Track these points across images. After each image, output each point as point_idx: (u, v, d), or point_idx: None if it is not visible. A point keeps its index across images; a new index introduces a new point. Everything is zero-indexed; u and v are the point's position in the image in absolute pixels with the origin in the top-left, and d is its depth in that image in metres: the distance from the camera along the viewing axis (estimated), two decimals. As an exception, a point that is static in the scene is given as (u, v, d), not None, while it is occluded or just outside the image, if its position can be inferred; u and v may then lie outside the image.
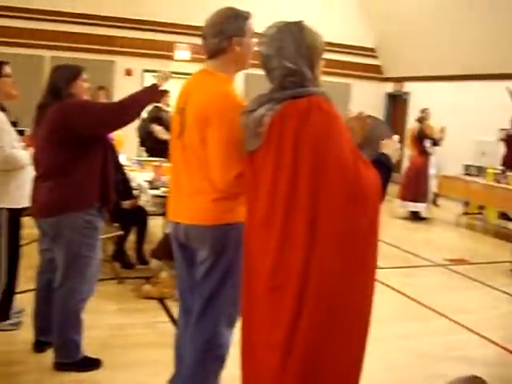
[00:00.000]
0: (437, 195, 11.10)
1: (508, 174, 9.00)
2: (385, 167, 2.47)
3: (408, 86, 14.93)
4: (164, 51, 13.16)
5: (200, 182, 2.83)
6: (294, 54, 2.33)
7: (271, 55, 2.37)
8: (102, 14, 12.44)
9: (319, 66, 2.43)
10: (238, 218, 2.72)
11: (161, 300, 5.28)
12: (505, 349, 4.79)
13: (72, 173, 3.61)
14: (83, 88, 3.78)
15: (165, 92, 8.16)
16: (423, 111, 10.45)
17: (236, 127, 2.57)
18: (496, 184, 9.16)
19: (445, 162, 11.10)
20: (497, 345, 4.87)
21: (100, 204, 3.77)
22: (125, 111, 3.63)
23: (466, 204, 10.43)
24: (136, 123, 7.32)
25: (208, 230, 2.84)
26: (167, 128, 9.70)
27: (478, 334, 5.07)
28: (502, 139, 10.17)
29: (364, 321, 2.40)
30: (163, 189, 5.70)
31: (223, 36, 2.83)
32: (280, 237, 2.28)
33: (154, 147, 8.24)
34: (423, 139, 10.15)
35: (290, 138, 2.25)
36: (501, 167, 9.59)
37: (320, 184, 2.21)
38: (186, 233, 2.95)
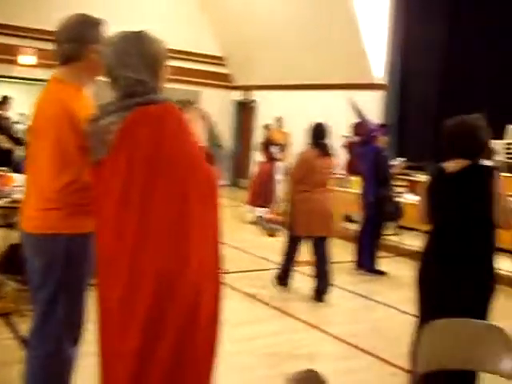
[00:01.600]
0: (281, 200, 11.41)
1: (350, 178, 9.45)
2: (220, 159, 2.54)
3: (256, 95, 15.29)
4: (7, 55, 12.49)
5: (35, 191, 2.75)
6: (137, 63, 2.34)
7: (114, 65, 2.36)
8: None
9: (163, 73, 2.44)
10: (75, 229, 2.67)
11: (5, 315, 4.96)
12: (348, 343, 5.00)
13: None
14: None
15: (4, 99, 7.74)
16: (278, 119, 10.75)
17: (67, 135, 2.55)
18: (338, 188, 9.59)
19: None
20: (341, 340, 5.07)
21: None
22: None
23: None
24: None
25: (37, 238, 2.73)
26: (9, 136, 9.33)
27: (323, 330, 5.25)
28: (343, 145, 10.67)
29: (216, 320, 2.42)
30: (6, 199, 5.37)
31: (79, 42, 2.75)
32: (133, 245, 2.24)
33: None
34: (270, 146, 10.42)
35: (145, 144, 2.24)
36: (343, 172, 10.06)
37: (179, 187, 2.25)
38: (24, 241, 2.84)
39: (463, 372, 2.99)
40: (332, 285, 6.32)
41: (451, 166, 3.53)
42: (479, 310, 3.44)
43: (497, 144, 11.49)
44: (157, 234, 2.23)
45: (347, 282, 6.94)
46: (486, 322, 2.79)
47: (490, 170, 3.48)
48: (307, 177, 6.10)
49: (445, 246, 3.50)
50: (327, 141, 6.28)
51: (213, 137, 2.57)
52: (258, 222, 9.88)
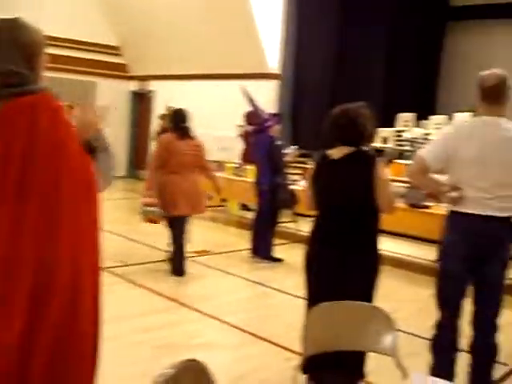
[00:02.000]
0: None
1: (245, 167, 9.52)
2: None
3: (153, 85, 15.11)
4: None
5: None
6: (11, 53, 2.24)
7: None
8: None
9: (41, 62, 2.35)
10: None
11: None
12: (244, 331, 5.06)
13: None
14: None
15: None
16: (168, 109, 10.64)
17: None
18: (235, 177, 9.67)
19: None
20: (237, 328, 5.12)
21: None
22: None
23: (210, 197, 10.81)
24: None
25: None
26: None
27: (219, 319, 5.28)
28: (239, 135, 10.74)
29: (98, 307, 2.39)
30: None
31: None
32: (9, 235, 2.16)
33: None
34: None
35: (19, 134, 2.17)
36: (239, 161, 10.12)
37: (57, 177, 2.20)
38: None
39: (351, 353, 3.09)
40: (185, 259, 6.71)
41: (335, 153, 3.63)
42: (365, 291, 3.57)
43: (388, 132, 11.93)
44: (31, 224, 2.17)
45: (243, 270, 7.03)
46: (368, 303, 2.88)
47: (372, 157, 3.60)
48: (170, 159, 6.36)
49: (330, 230, 3.60)
50: (188, 124, 6.65)
51: (97, 135, 2.50)
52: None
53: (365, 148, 3.70)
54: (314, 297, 3.54)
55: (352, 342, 2.78)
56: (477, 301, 3.63)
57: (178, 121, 6.58)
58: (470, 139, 3.47)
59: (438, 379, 2.55)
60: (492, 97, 3.47)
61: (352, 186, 3.53)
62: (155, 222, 6.48)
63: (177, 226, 6.58)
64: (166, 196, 6.39)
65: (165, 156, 6.39)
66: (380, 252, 3.66)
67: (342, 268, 3.51)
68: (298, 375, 3.12)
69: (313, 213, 3.80)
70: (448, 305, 3.64)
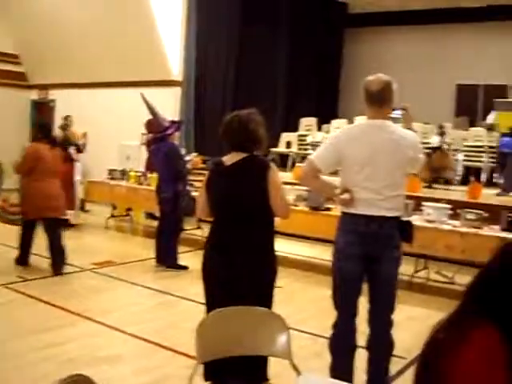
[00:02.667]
0: (84, 201, 11.12)
1: (149, 175, 9.42)
2: None
3: (54, 93, 14.72)
4: None
5: None
6: None
7: None
8: None
9: None
10: None
11: None
12: (148, 341, 4.99)
13: None
14: None
15: None
16: (66, 118, 10.42)
17: None
18: (139, 186, 9.55)
19: (91, 167, 11.20)
20: (141, 338, 5.05)
21: None
22: None
23: (115, 207, 10.65)
24: None
25: None
26: None
27: (122, 331, 5.19)
28: (143, 143, 10.62)
29: None
30: None
31: None
32: None
33: None
34: (67, 146, 10.06)
35: None
36: (143, 170, 10.01)
37: None
38: None
39: (252, 357, 3.09)
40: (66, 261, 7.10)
41: (228, 159, 3.65)
42: (263, 295, 3.60)
43: (291, 136, 12.13)
44: None
45: (148, 280, 6.94)
46: (261, 308, 2.89)
47: (265, 162, 3.64)
48: (36, 167, 6.87)
49: (224, 237, 3.60)
50: (53, 135, 7.52)
51: None
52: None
53: (258, 153, 3.73)
54: (212, 303, 3.53)
55: (246, 347, 2.78)
56: (371, 299, 3.73)
57: (44, 132, 7.22)
58: (359, 142, 3.58)
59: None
60: (377, 101, 3.59)
61: (245, 191, 3.54)
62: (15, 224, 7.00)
63: (50, 230, 6.98)
64: (30, 200, 6.97)
65: (32, 164, 6.86)
66: (276, 255, 3.70)
67: (238, 273, 3.52)
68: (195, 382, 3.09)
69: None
70: (344, 304, 3.72)
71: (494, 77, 13.74)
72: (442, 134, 10.21)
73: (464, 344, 2.05)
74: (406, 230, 3.68)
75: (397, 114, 4.12)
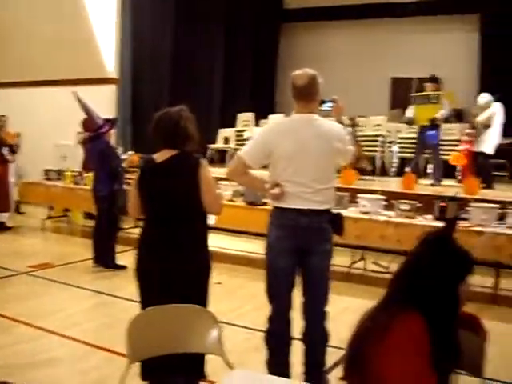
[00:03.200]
0: (20, 203, 10.88)
1: (85, 175, 9.27)
2: None
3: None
4: None
5: None
6: None
7: None
8: None
9: None
10: None
11: None
12: (86, 343, 4.93)
13: None
14: None
15: None
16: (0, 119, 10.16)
17: None
18: (75, 186, 9.40)
19: (26, 168, 10.95)
20: (79, 341, 4.98)
21: None
22: None
23: (52, 208, 10.45)
24: None
25: None
26: None
27: (61, 334, 5.11)
28: (79, 142, 10.44)
29: None
30: None
31: None
32: None
33: None
34: (1, 147, 9.82)
35: None
36: (80, 169, 9.84)
37: None
38: None
39: (189, 354, 3.08)
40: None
41: (159, 156, 3.63)
42: (198, 292, 3.59)
43: (229, 132, 12.14)
44: None
45: (86, 281, 6.83)
46: (192, 305, 2.89)
47: (196, 158, 3.63)
48: None
49: (157, 235, 3.58)
50: None
51: None
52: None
53: (189, 150, 3.71)
54: (146, 302, 3.51)
55: (178, 345, 2.78)
56: (305, 291, 3.78)
57: None
58: (287, 136, 3.61)
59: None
60: (304, 95, 3.63)
61: (177, 188, 3.53)
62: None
63: None
64: None
65: None
66: (210, 252, 3.70)
67: (171, 271, 3.50)
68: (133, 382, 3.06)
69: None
70: (278, 298, 3.76)
71: (427, 70, 14.06)
72: (353, 125, 10.48)
73: (389, 331, 2.11)
74: (336, 223, 3.73)
75: (327, 106, 4.19)
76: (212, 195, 3.58)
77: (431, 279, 2.16)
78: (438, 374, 2.09)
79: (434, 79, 10.00)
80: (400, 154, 11.07)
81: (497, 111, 9.42)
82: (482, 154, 9.45)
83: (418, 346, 2.08)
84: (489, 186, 9.13)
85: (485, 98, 9.52)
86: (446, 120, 10.07)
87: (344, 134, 3.80)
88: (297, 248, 3.63)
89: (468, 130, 9.76)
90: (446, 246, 2.21)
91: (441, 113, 9.31)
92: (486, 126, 9.36)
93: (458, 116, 12.41)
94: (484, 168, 9.43)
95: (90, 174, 8.19)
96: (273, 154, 3.62)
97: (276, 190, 3.61)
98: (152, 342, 2.73)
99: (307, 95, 3.63)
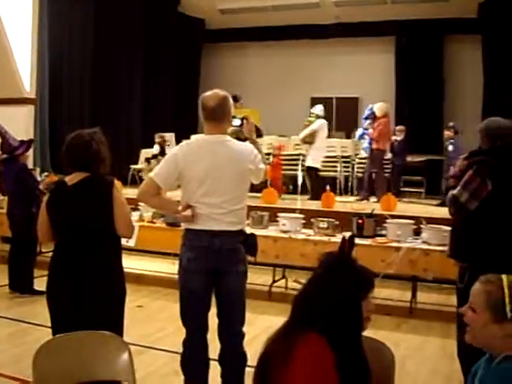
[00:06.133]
0: None
1: (1, 198, 8.97)
2: None
3: None
4: None
5: None
6: None
7: None
8: None
9: None
10: None
11: None
12: (2, 375, 4.74)
13: None
14: None
15: None
16: None
17: None
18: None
19: None
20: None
21: None
22: None
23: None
24: None
25: None
26: None
27: None
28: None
29: None
30: None
31: None
32: None
33: None
34: None
35: None
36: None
37: None
38: None
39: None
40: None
41: (70, 179, 3.56)
42: (111, 317, 3.52)
43: (149, 153, 12.07)
44: None
45: (1, 308, 6.59)
46: (102, 332, 2.83)
47: (107, 181, 3.58)
48: None
49: (69, 260, 3.50)
50: None
51: None
52: None
53: (101, 172, 3.66)
54: (57, 329, 3.42)
55: (86, 373, 2.72)
56: (220, 313, 3.77)
57: None
58: (198, 158, 3.62)
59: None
60: (214, 116, 3.66)
61: (88, 212, 3.47)
62: None
63: None
64: None
65: None
66: (123, 275, 3.65)
67: (83, 297, 3.43)
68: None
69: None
70: (192, 321, 3.74)
71: (345, 90, 14.43)
72: (162, 142, 11.61)
73: (292, 354, 2.13)
74: (249, 243, 3.75)
75: (237, 122, 4.23)
76: (123, 217, 3.53)
77: (331, 299, 2.19)
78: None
79: (234, 98, 10.41)
80: (320, 173, 11.26)
81: (319, 128, 10.03)
82: (312, 168, 10.19)
83: (322, 367, 2.10)
84: (316, 198, 9.42)
85: (314, 112, 10.30)
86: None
87: (255, 153, 3.83)
88: (210, 269, 3.62)
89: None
90: (344, 265, 2.26)
91: None
92: (309, 142, 10.12)
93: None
94: (314, 181, 10.32)
95: (5, 197, 7.95)
96: (184, 175, 3.62)
97: (188, 212, 3.60)
98: (59, 372, 2.65)
99: (218, 116, 3.66)
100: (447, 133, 10.45)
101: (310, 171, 10.37)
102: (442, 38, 14.00)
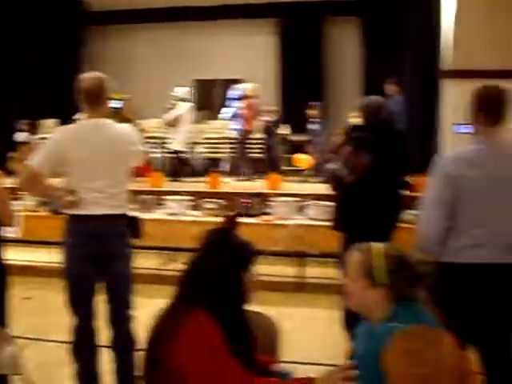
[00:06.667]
0: None
1: None
2: None
3: None
4: None
5: None
6: None
7: None
8: None
9: None
10: None
11: None
12: None
13: None
14: None
15: None
16: None
17: None
18: None
19: None
20: None
21: None
22: None
23: None
24: None
25: None
26: None
27: None
28: None
29: None
30: None
31: None
32: None
33: None
34: None
35: None
36: None
37: None
38: None
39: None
40: None
41: None
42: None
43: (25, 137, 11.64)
44: None
45: None
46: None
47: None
48: None
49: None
50: None
51: None
52: None
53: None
54: None
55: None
56: (108, 298, 3.74)
57: None
58: (78, 141, 3.55)
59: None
60: (91, 99, 3.60)
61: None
62: None
63: None
64: None
65: None
66: (5, 266, 3.54)
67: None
68: None
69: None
70: (80, 307, 3.68)
71: (229, 72, 14.47)
72: (29, 130, 11.41)
73: (180, 330, 2.17)
74: (133, 226, 3.74)
75: (117, 103, 4.19)
76: (6, 206, 3.43)
77: (212, 274, 2.25)
78: (238, 359, 2.17)
79: None
80: (206, 155, 11.28)
81: (186, 112, 10.08)
82: (177, 151, 10.16)
83: (210, 340, 2.15)
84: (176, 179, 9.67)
85: (177, 93, 10.21)
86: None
87: (134, 135, 3.81)
88: (95, 254, 3.58)
89: None
90: (226, 240, 2.31)
91: None
92: (173, 125, 10.02)
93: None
94: (175, 164, 10.30)
95: None
96: (65, 160, 3.54)
97: (70, 197, 3.53)
98: None
99: (96, 99, 3.60)
100: (311, 112, 10.75)
101: (177, 154, 10.29)
102: (322, 20, 14.31)
